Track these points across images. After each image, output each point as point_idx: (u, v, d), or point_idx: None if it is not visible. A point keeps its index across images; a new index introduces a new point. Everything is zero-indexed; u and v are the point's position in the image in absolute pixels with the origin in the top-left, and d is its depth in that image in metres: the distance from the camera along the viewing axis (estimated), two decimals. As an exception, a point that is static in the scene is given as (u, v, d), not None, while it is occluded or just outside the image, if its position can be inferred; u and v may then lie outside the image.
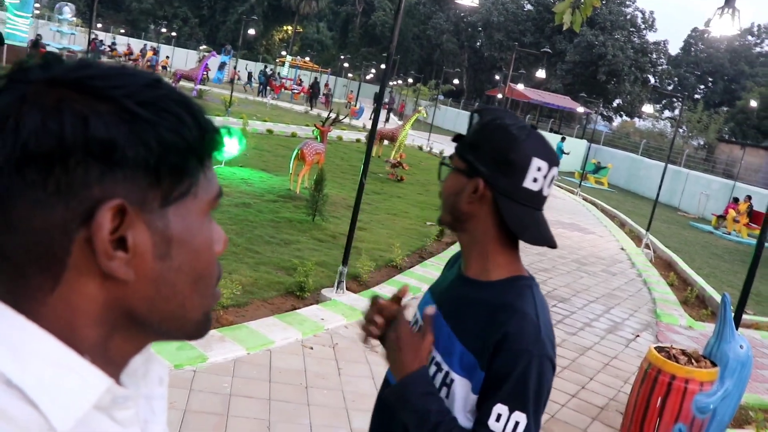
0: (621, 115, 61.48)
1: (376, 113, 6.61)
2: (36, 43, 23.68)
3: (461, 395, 1.49)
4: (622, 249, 13.76)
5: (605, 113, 55.70)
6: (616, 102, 57.52)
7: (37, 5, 37.76)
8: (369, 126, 28.27)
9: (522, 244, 1.56)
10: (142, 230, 0.63)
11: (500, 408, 1.40)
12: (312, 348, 5.41)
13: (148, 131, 0.62)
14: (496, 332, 1.44)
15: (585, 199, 21.94)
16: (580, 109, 40.31)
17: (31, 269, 0.62)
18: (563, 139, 30.07)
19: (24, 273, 0.62)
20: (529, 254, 10.55)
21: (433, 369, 1.55)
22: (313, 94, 39.54)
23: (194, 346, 4.86)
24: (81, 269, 0.62)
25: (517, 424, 1.40)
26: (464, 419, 1.49)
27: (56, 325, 0.62)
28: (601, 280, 10.47)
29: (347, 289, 6.80)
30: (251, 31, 54.36)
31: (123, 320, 0.66)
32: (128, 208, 0.61)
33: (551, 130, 40.58)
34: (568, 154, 29.32)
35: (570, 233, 14.44)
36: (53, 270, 0.62)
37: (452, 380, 1.50)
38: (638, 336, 7.83)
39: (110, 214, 0.60)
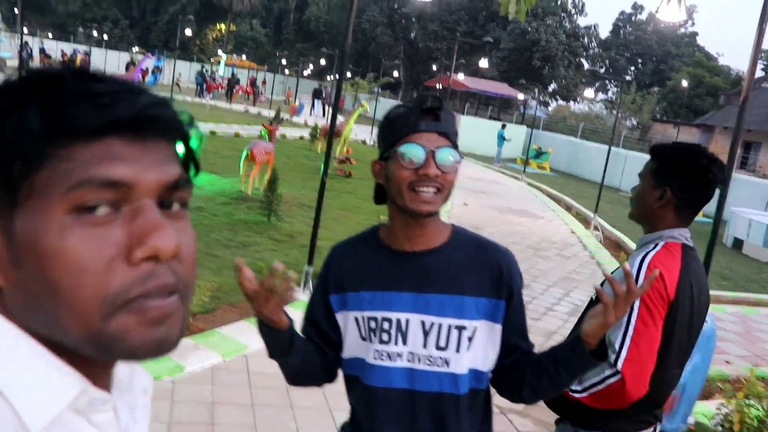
0: (557, 99, 62.56)
1: (333, 110, 6.62)
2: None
3: (484, 334, 1.75)
4: (572, 232, 14.05)
5: (542, 98, 56.57)
6: (552, 87, 58.45)
7: (-41, 12, 36.32)
8: (310, 122, 28.15)
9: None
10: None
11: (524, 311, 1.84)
12: (287, 350, 5.38)
13: None
14: (498, 267, 1.76)
15: (530, 185, 22.29)
16: (520, 96, 40.88)
17: None
18: (504, 126, 30.48)
19: None
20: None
21: (455, 334, 1.71)
22: (229, 88, 41.22)
23: (169, 357, 4.77)
24: None
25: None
26: (491, 350, 1.78)
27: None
28: (557, 264, 10.67)
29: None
30: (187, 32, 53.35)
31: (26, 330, 0.64)
32: None
33: (491, 118, 41.04)
34: (509, 140, 29.76)
35: (520, 219, 14.66)
36: None
37: (475, 329, 1.73)
38: (598, 317, 8.02)
39: None
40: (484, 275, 1.74)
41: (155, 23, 65.89)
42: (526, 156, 26.53)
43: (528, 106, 38.04)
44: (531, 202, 17.98)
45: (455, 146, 1.68)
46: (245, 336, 5.43)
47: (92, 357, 0.65)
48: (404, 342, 1.71)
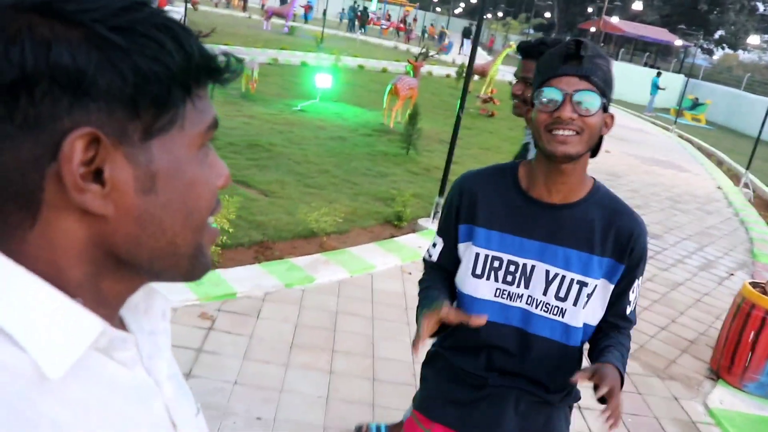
0: (723, 48, 58.37)
1: (472, 50, 6.70)
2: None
3: (602, 294, 1.83)
4: (719, 188, 13.44)
5: (705, 46, 52.98)
6: (718, 33, 54.56)
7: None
8: (458, 61, 28.01)
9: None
10: (121, 163, 0.60)
11: (636, 283, 1.86)
12: (410, 273, 5.70)
13: (122, 59, 0.58)
14: (629, 234, 1.80)
15: (680, 137, 21.32)
16: (678, 42, 38.61)
17: (7, 206, 0.59)
18: (659, 74, 29.00)
19: (1, 210, 0.59)
20: (622, 191, 10.52)
21: (575, 289, 1.79)
22: (362, 22, 41.48)
23: (302, 268, 5.23)
24: (57, 205, 0.59)
25: (638, 285, 1.89)
26: (600, 308, 1.85)
27: (41, 265, 0.60)
28: (695, 218, 10.34)
29: (442, 219, 7.04)
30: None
31: (109, 259, 0.64)
32: (103, 139, 0.58)
33: (646, 65, 39.07)
34: (663, 89, 28.32)
35: (663, 171, 14.18)
36: (29, 206, 0.59)
37: (596, 286, 1.80)
38: (732, 274, 7.79)
39: (81, 145, 0.57)
40: (613, 237, 1.79)
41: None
42: (679, 106, 25.26)
43: (688, 54, 35.83)
44: (678, 154, 17.27)
45: (600, 90, 1.66)
46: (373, 256, 5.80)
47: (174, 279, 0.71)
48: (526, 286, 1.80)
